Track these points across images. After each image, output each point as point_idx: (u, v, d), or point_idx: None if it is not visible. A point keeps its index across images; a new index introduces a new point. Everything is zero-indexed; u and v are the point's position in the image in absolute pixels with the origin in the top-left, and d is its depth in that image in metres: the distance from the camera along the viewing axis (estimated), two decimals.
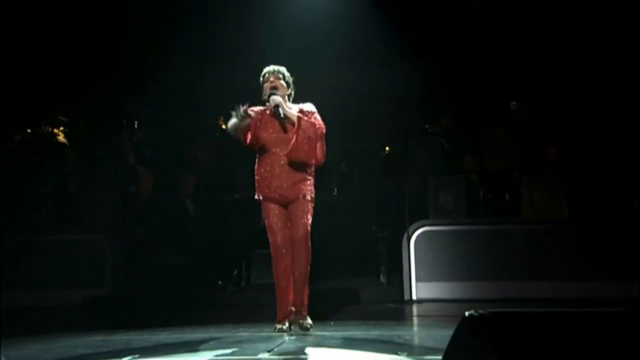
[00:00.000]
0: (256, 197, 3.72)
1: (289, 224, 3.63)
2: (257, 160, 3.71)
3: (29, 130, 7.29)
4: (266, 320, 3.80)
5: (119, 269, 5.78)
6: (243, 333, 3.33)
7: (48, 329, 4.26)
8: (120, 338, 3.54)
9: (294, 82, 3.81)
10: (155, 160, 7.34)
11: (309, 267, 3.60)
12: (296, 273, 3.57)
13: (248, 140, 3.61)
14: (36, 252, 5.77)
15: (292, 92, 3.80)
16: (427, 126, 7.67)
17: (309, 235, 3.60)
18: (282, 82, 3.72)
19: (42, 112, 7.49)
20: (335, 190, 7.10)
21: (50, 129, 7.39)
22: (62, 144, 7.49)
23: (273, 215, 3.64)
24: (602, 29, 7.87)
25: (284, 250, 3.60)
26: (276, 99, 3.59)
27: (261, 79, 3.76)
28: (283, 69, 3.77)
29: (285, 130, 3.62)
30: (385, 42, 9.40)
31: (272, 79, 3.71)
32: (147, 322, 4.37)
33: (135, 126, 7.79)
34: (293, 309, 3.57)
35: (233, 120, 3.59)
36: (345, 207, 6.64)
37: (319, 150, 3.65)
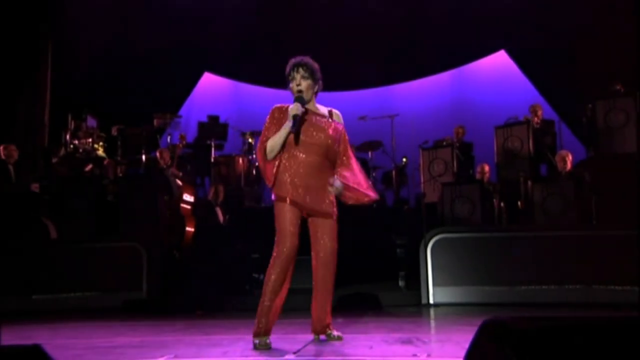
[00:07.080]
0: (273, 197, 3.16)
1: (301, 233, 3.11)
2: (280, 160, 3.12)
3: (71, 146, 7.43)
4: (292, 323, 3.79)
5: (154, 274, 5.83)
6: (271, 335, 3.31)
7: (91, 328, 4.32)
8: (156, 339, 3.56)
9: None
10: (188, 171, 7.43)
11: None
12: (319, 294, 3.18)
13: (272, 180, 3.12)
14: (80, 258, 5.86)
15: (320, 84, 3.23)
16: (443, 138, 7.63)
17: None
18: (309, 81, 3.14)
19: (82, 128, 7.65)
20: None
21: (90, 144, 7.53)
22: (102, 157, 7.63)
23: (289, 218, 3.03)
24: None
25: (290, 260, 3.04)
26: (294, 110, 3.05)
27: (287, 70, 3.19)
28: (309, 64, 3.16)
29: (314, 134, 3.12)
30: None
31: (298, 78, 3.14)
32: (180, 323, 4.41)
33: (169, 141, 7.92)
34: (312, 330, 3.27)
35: (282, 131, 3.06)
36: (364, 216, 6.61)
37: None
